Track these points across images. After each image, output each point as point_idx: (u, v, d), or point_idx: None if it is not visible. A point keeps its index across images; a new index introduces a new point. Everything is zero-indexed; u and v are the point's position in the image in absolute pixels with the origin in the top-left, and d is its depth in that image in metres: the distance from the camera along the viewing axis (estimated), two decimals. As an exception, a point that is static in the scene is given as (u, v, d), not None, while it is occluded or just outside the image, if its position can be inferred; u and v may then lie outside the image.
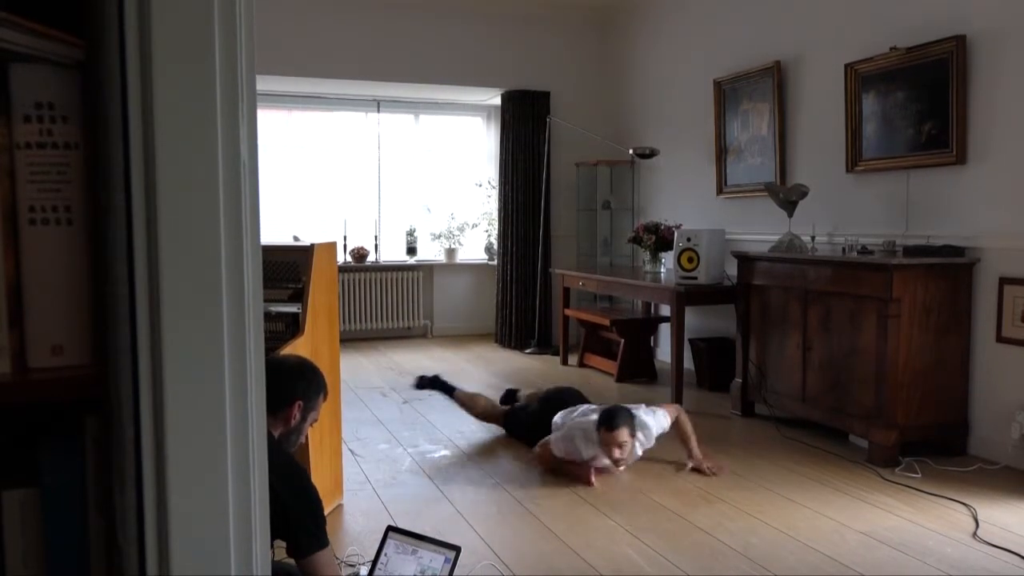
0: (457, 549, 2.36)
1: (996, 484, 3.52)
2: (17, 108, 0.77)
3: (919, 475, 3.64)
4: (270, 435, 2.23)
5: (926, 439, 3.90)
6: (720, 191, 5.95)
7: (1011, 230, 3.76)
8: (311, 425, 2.47)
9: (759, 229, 5.41)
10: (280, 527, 2.03)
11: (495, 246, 7.71)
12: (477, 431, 4.46)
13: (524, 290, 7.39)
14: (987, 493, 3.41)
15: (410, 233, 7.75)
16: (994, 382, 3.83)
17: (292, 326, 3.07)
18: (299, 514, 2.12)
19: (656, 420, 3.71)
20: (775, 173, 5.34)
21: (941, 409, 3.88)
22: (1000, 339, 3.80)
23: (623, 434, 3.49)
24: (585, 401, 4.17)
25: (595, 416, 3.63)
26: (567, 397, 4.22)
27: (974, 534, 2.98)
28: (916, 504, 3.30)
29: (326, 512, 3.07)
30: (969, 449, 3.93)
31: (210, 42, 0.75)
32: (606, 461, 3.59)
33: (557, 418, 3.90)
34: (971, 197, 3.96)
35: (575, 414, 3.84)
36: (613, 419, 3.50)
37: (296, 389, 2.35)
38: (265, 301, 2.93)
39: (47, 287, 0.78)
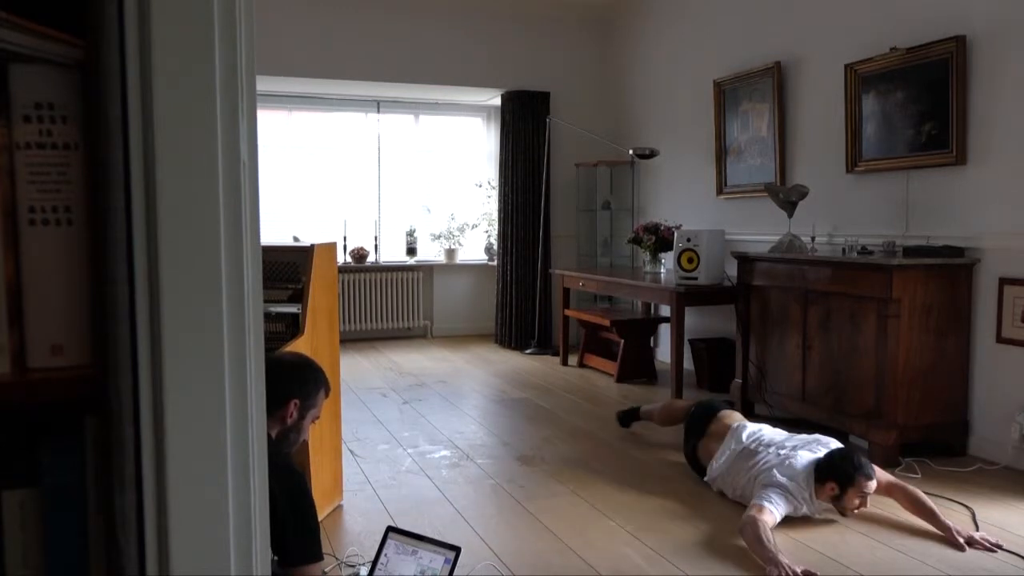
0: (457, 549, 2.36)
1: (996, 484, 3.52)
2: (17, 108, 0.77)
3: (919, 475, 3.64)
4: (268, 436, 2.22)
5: (926, 439, 3.90)
6: (720, 191, 5.95)
7: (1011, 230, 3.76)
8: (312, 422, 2.46)
9: (759, 229, 5.41)
10: (275, 532, 2.02)
11: (495, 246, 7.71)
12: (477, 432, 4.46)
13: (524, 291, 7.39)
14: (987, 493, 3.41)
15: (410, 233, 7.75)
16: (994, 383, 3.83)
17: (292, 326, 3.07)
18: (296, 519, 2.10)
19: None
20: (775, 173, 5.34)
21: (941, 409, 3.88)
22: (1000, 340, 3.80)
23: (874, 484, 3.03)
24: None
25: (798, 462, 3.09)
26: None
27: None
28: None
29: (326, 513, 3.09)
30: (969, 449, 3.93)
31: (210, 42, 0.75)
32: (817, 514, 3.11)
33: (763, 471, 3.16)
34: (971, 197, 3.96)
35: (758, 463, 3.21)
36: (865, 466, 3.03)
37: (291, 388, 2.33)
38: (265, 302, 2.93)
39: (47, 287, 0.78)
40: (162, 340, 0.74)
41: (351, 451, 4.02)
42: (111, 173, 0.74)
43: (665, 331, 6.31)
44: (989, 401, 3.85)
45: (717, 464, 3.38)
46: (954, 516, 3.16)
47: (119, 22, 0.72)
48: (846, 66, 4.63)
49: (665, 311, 6.05)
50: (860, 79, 4.57)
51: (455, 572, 2.32)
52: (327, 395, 2.45)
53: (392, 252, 7.76)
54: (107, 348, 0.75)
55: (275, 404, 2.28)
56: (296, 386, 2.34)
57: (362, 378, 5.91)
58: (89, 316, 0.79)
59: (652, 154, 6.37)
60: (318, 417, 2.45)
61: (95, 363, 0.78)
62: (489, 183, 7.87)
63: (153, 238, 0.74)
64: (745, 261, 4.75)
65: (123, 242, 0.74)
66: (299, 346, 2.84)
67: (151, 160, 0.74)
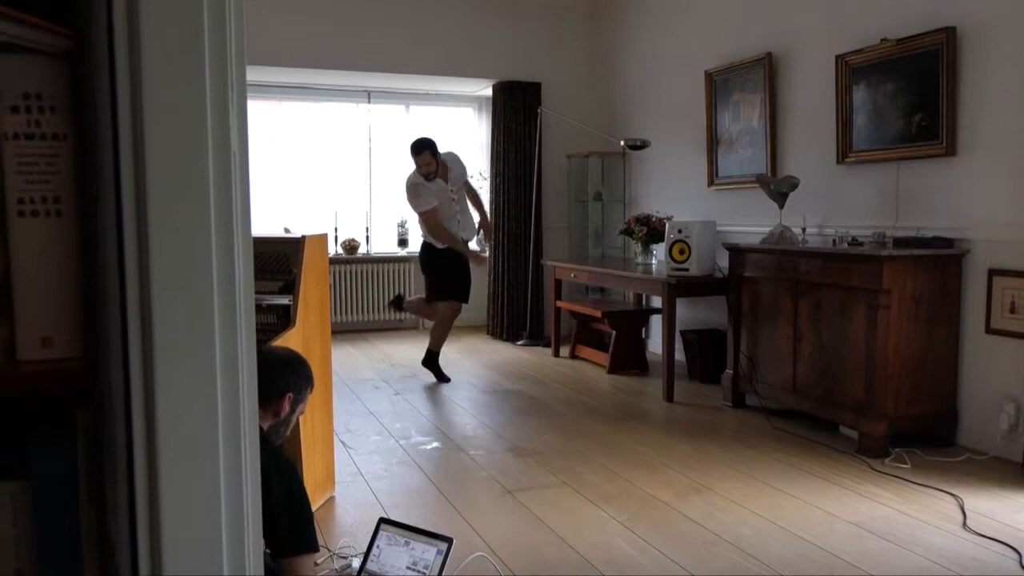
0: (449, 541, 2.37)
1: (984, 474, 3.55)
2: (5, 99, 0.76)
3: (908, 465, 3.66)
4: (260, 428, 2.22)
5: (915, 430, 3.92)
6: (711, 182, 5.96)
7: (1000, 221, 3.77)
8: (299, 416, 2.48)
9: (750, 221, 5.42)
10: (268, 524, 2.02)
11: (486, 238, 7.69)
12: (469, 423, 4.47)
13: (516, 282, 7.39)
14: (976, 483, 3.43)
15: (401, 225, 7.73)
16: (983, 373, 3.86)
17: (283, 318, 3.06)
18: (290, 510, 2.11)
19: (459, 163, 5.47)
20: (766, 164, 5.35)
21: (930, 400, 3.91)
22: (989, 330, 3.82)
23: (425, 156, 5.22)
24: None
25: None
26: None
27: (963, 524, 3.01)
28: (905, 494, 3.32)
29: (318, 505, 3.09)
30: (958, 440, 3.96)
31: (200, 31, 0.74)
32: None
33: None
34: (960, 188, 3.98)
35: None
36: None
37: (287, 382, 2.35)
38: (256, 293, 2.91)
39: (37, 279, 0.77)
40: (153, 332, 0.74)
41: (343, 443, 4.02)
42: (100, 163, 0.73)
43: (656, 322, 6.32)
44: (978, 391, 3.88)
45: None
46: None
47: (107, 11, 0.72)
48: (837, 57, 4.63)
49: (656, 302, 6.06)
50: (851, 70, 4.58)
51: (447, 563, 2.33)
52: (312, 390, 2.48)
53: (383, 243, 7.74)
54: (98, 340, 0.74)
55: (271, 397, 2.30)
56: (291, 380, 2.36)
57: (354, 370, 5.90)
58: (79, 308, 0.78)
59: (643, 145, 6.37)
60: (303, 411, 2.47)
61: (86, 355, 0.78)
62: (480, 174, 7.85)
63: (143, 229, 0.73)
64: (736, 252, 4.76)
65: (113, 233, 0.73)
66: (291, 338, 2.83)
67: (140, 150, 0.73)
